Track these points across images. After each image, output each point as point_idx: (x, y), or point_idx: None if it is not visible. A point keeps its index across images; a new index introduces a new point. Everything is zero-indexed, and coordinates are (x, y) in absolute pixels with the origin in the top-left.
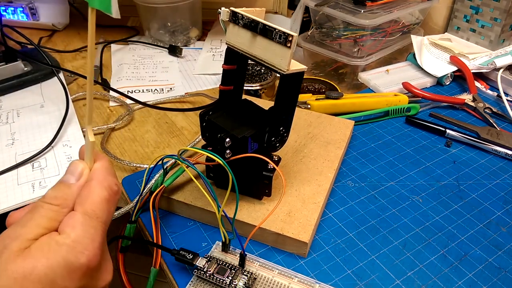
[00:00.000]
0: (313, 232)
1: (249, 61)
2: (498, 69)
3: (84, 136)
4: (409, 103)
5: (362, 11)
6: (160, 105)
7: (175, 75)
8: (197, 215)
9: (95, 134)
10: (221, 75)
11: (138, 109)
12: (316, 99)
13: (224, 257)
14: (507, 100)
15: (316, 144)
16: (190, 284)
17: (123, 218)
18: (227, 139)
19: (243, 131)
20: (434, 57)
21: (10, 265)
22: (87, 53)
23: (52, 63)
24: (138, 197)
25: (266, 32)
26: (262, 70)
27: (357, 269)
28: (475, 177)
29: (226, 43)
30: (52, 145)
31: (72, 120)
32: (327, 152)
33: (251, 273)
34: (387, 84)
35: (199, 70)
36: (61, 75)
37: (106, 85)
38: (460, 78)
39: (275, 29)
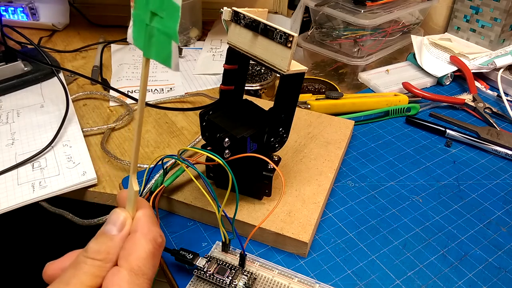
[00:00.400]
0: (313, 232)
1: (249, 62)
2: (498, 69)
3: (129, 183)
4: (409, 103)
5: (362, 11)
6: (160, 105)
7: (175, 75)
8: (197, 215)
9: (95, 134)
10: (221, 75)
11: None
12: (316, 99)
13: (224, 257)
14: (507, 100)
15: (316, 144)
16: (190, 284)
17: None
18: (226, 139)
19: (242, 131)
20: (434, 57)
21: None
22: (138, 101)
23: (52, 63)
24: None
25: (267, 32)
26: (262, 70)
27: (357, 269)
28: (475, 177)
29: (228, 43)
30: (52, 145)
31: (72, 120)
32: (327, 152)
33: (251, 273)
34: (387, 84)
35: (199, 70)
36: (61, 75)
37: (106, 85)
38: (460, 78)
39: (276, 29)
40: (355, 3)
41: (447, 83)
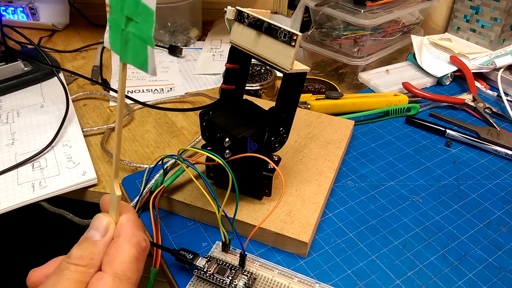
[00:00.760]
0: (313, 232)
1: (251, 61)
2: (498, 69)
3: (112, 188)
4: (409, 103)
5: (362, 11)
6: (160, 105)
7: (175, 75)
8: (197, 215)
9: (95, 134)
10: (221, 75)
11: (138, 109)
12: (316, 99)
13: (224, 257)
14: (507, 100)
15: (316, 144)
16: (190, 284)
17: None
18: (227, 139)
19: (242, 131)
20: (434, 57)
21: None
22: (117, 106)
23: (52, 63)
24: (138, 197)
25: (271, 31)
26: (262, 70)
27: (357, 269)
28: (475, 177)
29: (230, 42)
30: (52, 145)
31: (72, 120)
32: (327, 152)
33: (251, 273)
34: (387, 84)
35: (199, 70)
36: (61, 75)
37: (106, 85)
38: (460, 78)
39: (280, 28)
40: (355, 3)
41: (447, 83)
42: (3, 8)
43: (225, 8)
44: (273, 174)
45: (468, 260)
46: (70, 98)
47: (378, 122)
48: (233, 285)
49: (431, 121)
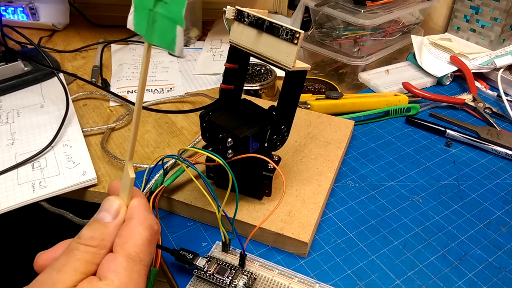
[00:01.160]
0: (313, 232)
1: (249, 61)
2: (498, 69)
3: (124, 170)
4: (409, 103)
5: (362, 11)
6: (160, 105)
7: (175, 75)
8: (197, 215)
9: (95, 134)
10: (221, 75)
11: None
12: (316, 99)
13: (224, 257)
14: (507, 100)
15: (316, 144)
16: (190, 284)
17: None
18: (229, 139)
19: (244, 130)
20: (434, 57)
21: None
22: (138, 87)
23: (52, 63)
24: None
25: (272, 29)
26: (262, 70)
27: (357, 269)
28: (475, 177)
29: (230, 42)
30: (52, 145)
31: (72, 120)
32: (327, 152)
33: (251, 273)
34: (387, 84)
35: (199, 70)
36: (61, 75)
37: (106, 88)
38: (460, 78)
39: (281, 26)
40: (355, 3)
41: (447, 83)
42: (3, 8)
43: (224, 8)
44: (273, 174)
45: (468, 260)
46: (70, 98)
47: (378, 122)
48: (233, 285)
49: (431, 121)
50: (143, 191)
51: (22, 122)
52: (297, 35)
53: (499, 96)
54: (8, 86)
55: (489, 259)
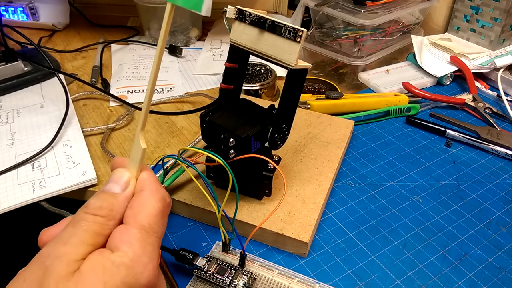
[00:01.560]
0: (313, 232)
1: (249, 61)
2: (498, 69)
3: (134, 141)
4: (409, 103)
5: (362, 11)
6: (160, 105)
7: (175, 75)
8: (197, 215)
9: (95, 134)
10: (221, 75)
11: (136, 109)
12: (316, 99)
13: (224, 257)
14: (507, 100)
15: (316, 144)
16: (190, 284)
17: None
18: (231, 139)
19: (245, 130)
20: (434, 57)
21: None
22: (155, 54)
23: (52, 63)
24: None
25: (274, 28)
26: (262, 70)
27: (357, 269)
28: (475, 177)
29: (230, 41)
30: (52, 145)
31: (72, 120)
32: (327, 152)
33: (251, 273)
34: (387, 84)
35: (199, 70)
36: (61, 74)
37: (105, 89)
38: (460, 78)
39: (284, 25)
40: (355, 3)
41: (447, 83)
42: (3, 8)
43: (224, 8)
44: (273, 174)
45: (468, 260)
46: (70, 98)
47: (378, 122)
48: (233, 285)
49: (431, 121)
50: None
51: (22, 122)
52: (300, 33)
53: (499, 96)
54: (8, 86)
55: (489, 259)
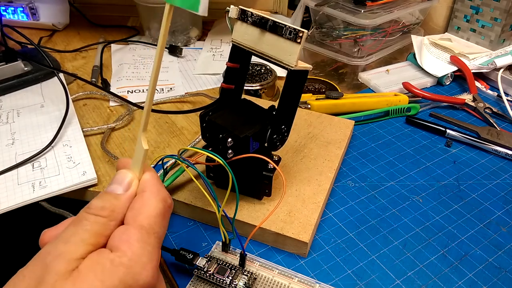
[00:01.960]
0: (313, 232)
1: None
2: (498, 69)
3: (137, 143)
4: (409, 103)
5: (362, 11)
6: (160, 105)
7: (175, 75)
8: (197, 215)
9: (95, 134)
10: (221, 75)
11: (139, 108)
12: (316, 99)
13: (224, 257)
14: (507, 100)
15: (316, 144)
16: (190, 284)
17: None
18: (229, 139)
19: (244, 130)
20: (434, 57)
21: None
22: (155, 55)
23: (52, 63)
24: None
25: (276, 28)
26: (262, 70)
27: (357, 269)
28: (475, 177)
29: (232, 41)
30: (52, 145)
31: (72, 120)
32: (327, 152)
33: (251, 273)
34: (387, 84)
35: (199, 70)
36: (61, 74)
37: (106, 88)
38: (460, 78)
39: (285, 25)
40: (355, 3)
41: (447, 83)
42: (3, 8)
43: (227, 7)
44: (273, 174)
45: (468, 260)
46: (70, 98)
47: (378, 122)
48: (233, 285)
49: (431, 121)
50: None
51: (22, 122)
52: (301, 34)
53: (499, 96)
54: (8, 86)
55: (489, 259)
